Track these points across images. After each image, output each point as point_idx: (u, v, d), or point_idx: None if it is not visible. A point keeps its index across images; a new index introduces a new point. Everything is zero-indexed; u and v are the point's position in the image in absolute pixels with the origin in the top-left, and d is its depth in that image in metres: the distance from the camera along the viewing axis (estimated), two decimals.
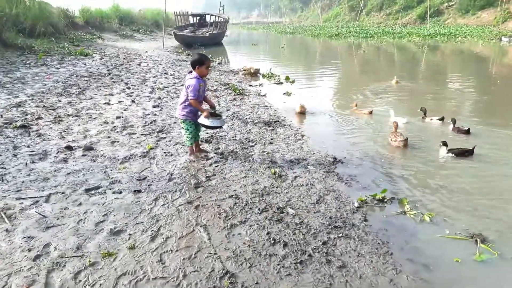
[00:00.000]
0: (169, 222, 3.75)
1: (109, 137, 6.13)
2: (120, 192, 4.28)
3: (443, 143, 6.01)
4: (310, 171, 5.33)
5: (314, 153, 6.07)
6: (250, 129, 7.13)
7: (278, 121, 7.86)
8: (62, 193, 4.22)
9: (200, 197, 4.33)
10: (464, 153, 5.84)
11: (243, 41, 39.90)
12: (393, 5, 60.63)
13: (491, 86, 12.75)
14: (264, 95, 10.71)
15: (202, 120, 5.21)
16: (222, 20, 30.80)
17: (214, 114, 5.43)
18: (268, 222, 3.86)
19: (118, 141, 5.95)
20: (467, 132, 6.91)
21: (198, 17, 33.20)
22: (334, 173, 5.35)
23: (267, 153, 5.93)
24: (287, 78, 13.48)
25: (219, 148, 5.98)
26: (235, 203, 4.21)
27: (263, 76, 14.28)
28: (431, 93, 11.27)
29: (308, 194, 4.59)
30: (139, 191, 4.34)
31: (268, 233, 3.67)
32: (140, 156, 5.41)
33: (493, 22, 44.36)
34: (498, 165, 5.66)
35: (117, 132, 6.41)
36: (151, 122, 7.10)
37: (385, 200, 4.58)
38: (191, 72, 5.22)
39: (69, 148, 5.50)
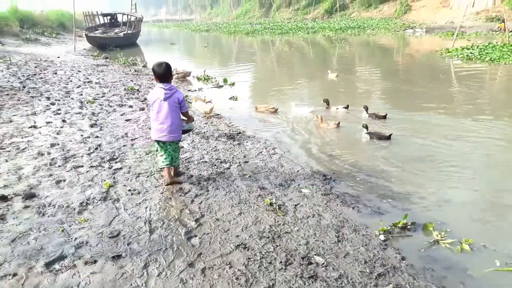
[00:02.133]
0: None
1: (50, 175, 4.78)
2: (95, 262, 3.14)
3: (363, 126, 6.69)
4: (307, 196, 4.60)
5: (298, 170, 5.36)
6: (215, 146, 6.19)
7: (240, 132, 7.01)
8: (13, 275, 2.98)
9: (201, 253, 3.36)
10: (383, 138, 6.49)
11: (158, 40, 37.87)
12: (300, 0, 62.12)
13: (403, 74, 14.10)
14: (210, 102, 9.74)
15: (188, 126, 4.89)
16: (135, 19, 28.75)
17: None
18: (302, 282, 3.04)
19: (64, 180, 4.65)
20: (384, 117, 7.55)
21: (109, 17, 30.64)
22: (333, 195, 4.69)
23: (249, 176, 5.08)
24: (225, 80, 12.60)
25: (191, 175, 4.98)
26: (248, 257, 3.32)
27: (198, 79, 13.23)
28: (363, 84, 12.19)
29: (323, 230, 3.85)
30: (119, 256, 3.24)
31: None
32: (99, 200, 4.22)
33: (394, 14, 47.53)
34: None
35: (59, 166, 5.06)
36: (96, 148, 5.81)
37: (408, 227, 4.01)
38: (166, 83, 4.41)
39: (2, 198, 4.11)
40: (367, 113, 7.72)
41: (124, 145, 6.02)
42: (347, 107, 8.26)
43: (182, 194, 4.44)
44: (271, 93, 11.03)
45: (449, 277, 3.29)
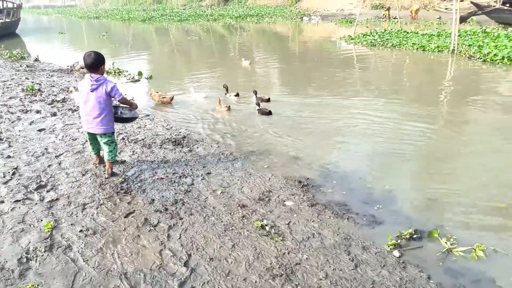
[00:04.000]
0: None
1: None
2: None
3: (256, 103, 7.63)
4: (294, 210, 4.02)
5: (269, 179, 4.74)
6: (164, 156, 5.27)
7: (184, 136, 6.13)
8: None
9: None
10: (266, 113, 7.39)
11: (41, 29, 33.73)
12: None
13: (307, 61, 14.57)
14: (132, 100, 8.57)
15: (131, 114, 4.78)
16: (14, 6, 25.05)
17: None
18: None
19: None
20: (268, 100, 8.32)
21: None
22: (320, 205, 4.18)
23: (221, 192, 4.32)
24: (139, 74, 11.41)
25: (153, 200, 4.06)
26: None
27: (108, 72, 11.75)
28: (271, 71, 12.75)
29: (333, 254, 3.31)
30: None
31: None
32: (45, 251, 3.13)
33: (288, 2, 48.82)
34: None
35: None
36: (13, 173, 4.50)
37: (413, 236, 3.66)
38: (94, 74, 4.27)
39: None
40: (256, 97, 8.32)
41: (49, 165, 4.79)
42: (237, 95, 8.85)
43: (152, 228, 3.54)
44: (192, 84, 10.33)
45: None
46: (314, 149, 5.77)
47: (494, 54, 12.09)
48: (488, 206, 4.20)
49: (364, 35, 18.74)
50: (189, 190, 4.32)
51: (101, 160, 4.82)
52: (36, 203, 3.86)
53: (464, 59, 12.72)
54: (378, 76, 11.34)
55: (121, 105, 4.68)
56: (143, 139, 5.92)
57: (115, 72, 11.66)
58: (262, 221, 3.71)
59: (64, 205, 3.84)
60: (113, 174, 4.59)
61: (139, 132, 6.32)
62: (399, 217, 3.99)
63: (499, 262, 3.35)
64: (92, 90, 4.23)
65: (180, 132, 6.35)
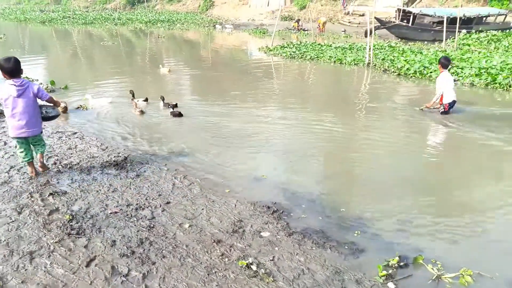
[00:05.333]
0: None
1: None
2: None
3: (171, 107, 8.13)
4: (273, 242, 3.73)
5: (235, 205, 4.39)
6: (110, 184, 4.60)
7: (126, 157, 5.49)
8: None
9: None
10: (177, 115, 7.75)
11: None
12: None
13: (221, 70, 14.88)
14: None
15: (55, 112, 5.02)
16: None
17: None
18: None
19: None
20: (176, 105, 8.36)
21: None
22: (298, 234, 3.92)
23: (189, 225, 3.85)
24: (52, 83, 10.27)
25: (114, 241, 3.45)
26: None
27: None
28: (189, 78, 12.88)
29: None
30: None
31: None
32: None
33: (198, 9, 48.61)
34: None
35: None
36: None
37: (400, 264, 3.57)
38: (16, 78, 4.24)
39: None
40: (163, 102, 8.51)
41: None
42: (146, 100, 8.83)
43: (124, 278, 2.97)
44: (110, 93, 9.75)
45: None
46: (267, 167, 5.51)
47: (407, 69, 12.99)
48: (462, 228, 4.26)
49: (282, 47, 19.06)
50: (152, 225, 3.78)
51: (37, 172, 4.74)
52: None
53: (379, 72, 13.49)
54: (304, 87, 11.51)
55: (46, 104, 4.77)
56: (78, 163, 5.16)
57: None
58: (245, 259, 3.35)
59: (5, 256, 3.08)
60: (44, 166, 4.80)
61: (71, 154, 5.52)
62: (379, 243, 3.86)
63: (487, 286, 3.38)
64: (19, 95, 4.25)
65: (119, 153, 5.68)
